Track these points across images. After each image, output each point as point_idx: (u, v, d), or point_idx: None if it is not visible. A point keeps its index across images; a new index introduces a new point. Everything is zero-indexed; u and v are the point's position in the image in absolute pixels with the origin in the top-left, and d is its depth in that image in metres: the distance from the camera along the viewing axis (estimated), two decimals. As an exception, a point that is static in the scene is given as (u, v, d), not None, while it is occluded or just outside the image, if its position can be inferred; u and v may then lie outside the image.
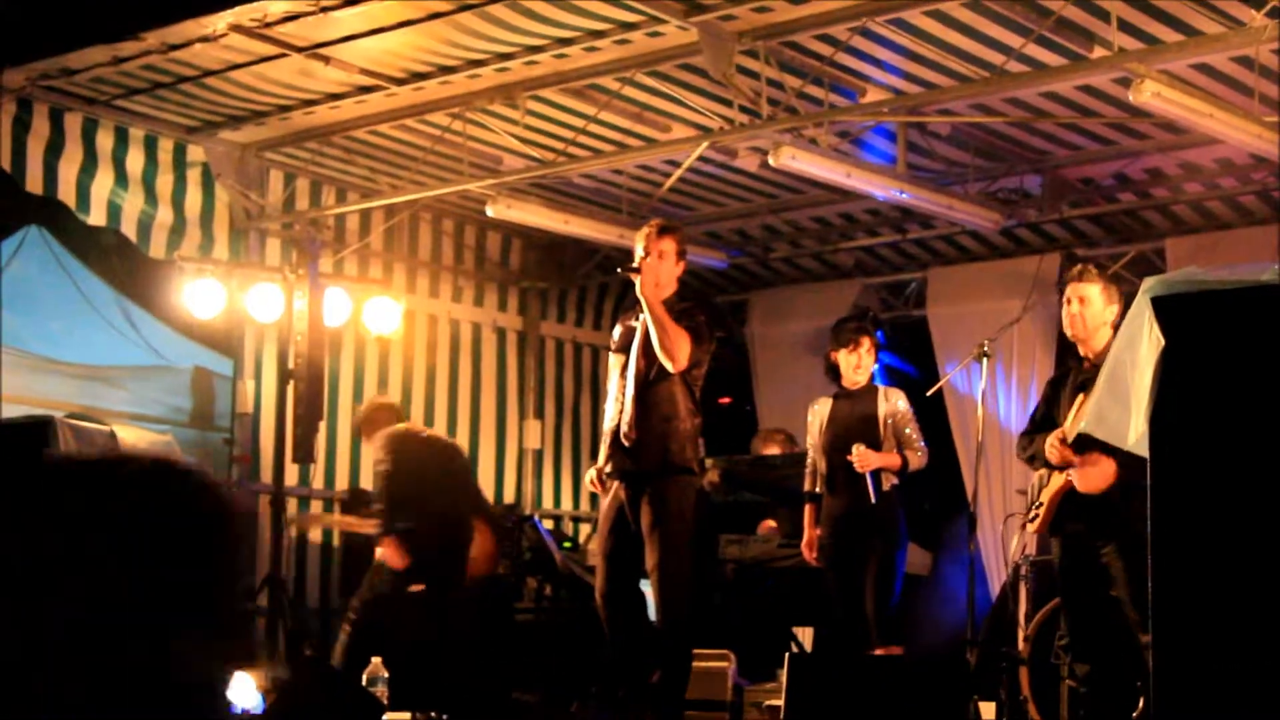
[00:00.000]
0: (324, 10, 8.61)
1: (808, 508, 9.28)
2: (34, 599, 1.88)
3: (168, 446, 9.33)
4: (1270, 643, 4.30)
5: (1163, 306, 4.67)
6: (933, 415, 10.40)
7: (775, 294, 13.87)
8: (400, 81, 9.91)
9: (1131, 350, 4.83)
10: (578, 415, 13.98)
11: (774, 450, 11.17)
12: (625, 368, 7.88)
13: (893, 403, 9.15)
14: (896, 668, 8.24)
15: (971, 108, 10.07)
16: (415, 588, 9.82)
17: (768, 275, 13.83)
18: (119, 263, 11.58)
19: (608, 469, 7.90)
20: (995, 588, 11.70)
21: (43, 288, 11.21)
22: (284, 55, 9.36)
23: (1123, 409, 4.90)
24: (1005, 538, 11.39)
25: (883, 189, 10.36)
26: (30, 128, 10.22)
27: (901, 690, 7.61)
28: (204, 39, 9.06)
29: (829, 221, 12.76)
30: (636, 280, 7.73)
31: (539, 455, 13.59)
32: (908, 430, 9.09)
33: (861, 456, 8.93)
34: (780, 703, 7.82)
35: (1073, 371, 7.95)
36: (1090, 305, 7.80)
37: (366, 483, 12.02)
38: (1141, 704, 7.69)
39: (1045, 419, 7.97)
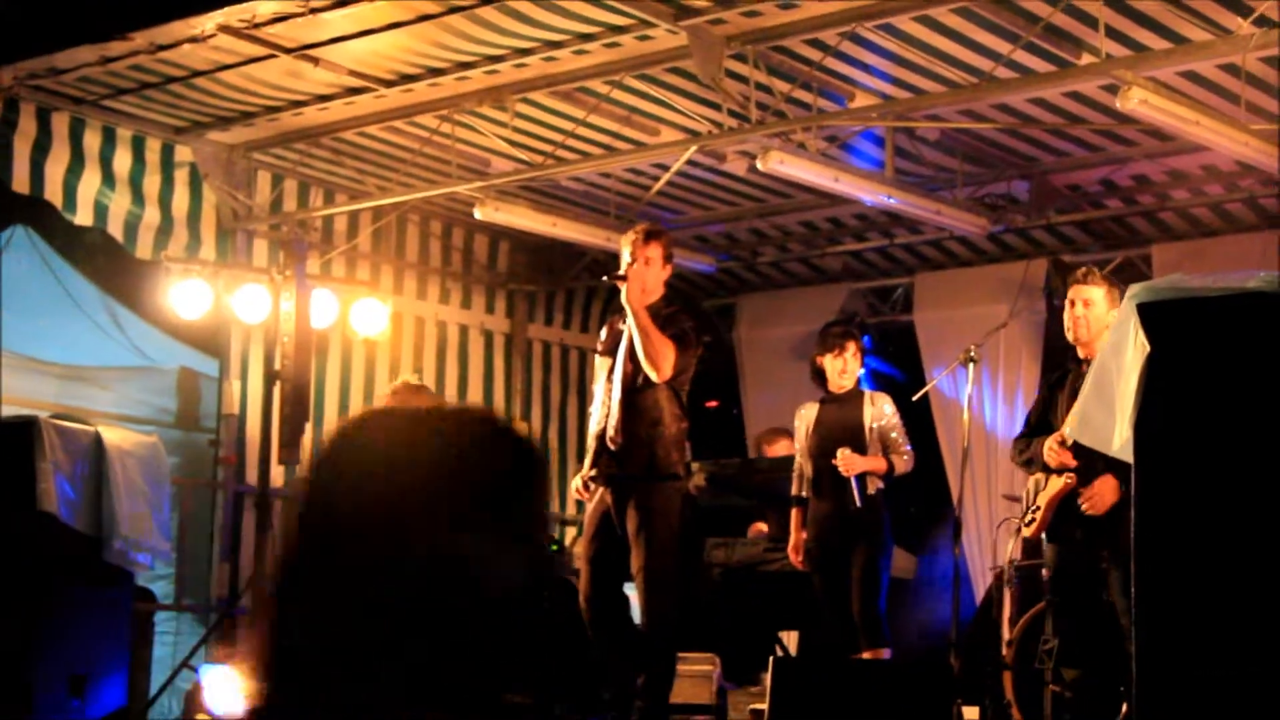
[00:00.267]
0: (313, 11, 8.61)
1: (794, 512, 9.28)
2: (404, 524, 1.94)
3: (152, 447, 9.31)
4: (1252, 649, 4.31)
5: (1148, 313, 4.68)
6: (919, 420, 10.40)
7: (762, 298, 13.87)
8: (389, 83, 9.90)
9: (1117, 356, 4.84)
10: (564, 418, 13.97)
11: (781, 450, 11.11)
12: (612, 371, 7.89)
13: (878, 407, 9.16)
14: (880, 671, 8.24)
15: (960, 113, 10.08)
16: None
17: (755, 279, 13.84)
18: (105, 263, 11.56)
19: (593, 473, 7.91)
20: (979, 592, 11.72)
21: (28, 288, 11.19)
22: (272, 56, 9.35)
23: (1108, 415, 4.91)
24: (999, 542, 11.40)
25: (870, 194, 10.37)
26: (17, 127, 10.20)
27: (885, 694, 7.61)
28: (192, 39, 9.05)
29: (816, 226, 12.76)
30: (622, 288, 7.73)
31: (525, 458, 13.55)
32: (894, 435, 9.09)
33: (846, 460, 8.93)
34: (764, 706, 7.82)
35: (1071, 374, 7.92)
36: (1094, 307, 7.79)
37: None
38: (1125, 709, 7.69)
39: (1041, 422, 7.95)
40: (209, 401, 12.02)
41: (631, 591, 7.87)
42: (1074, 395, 7.70)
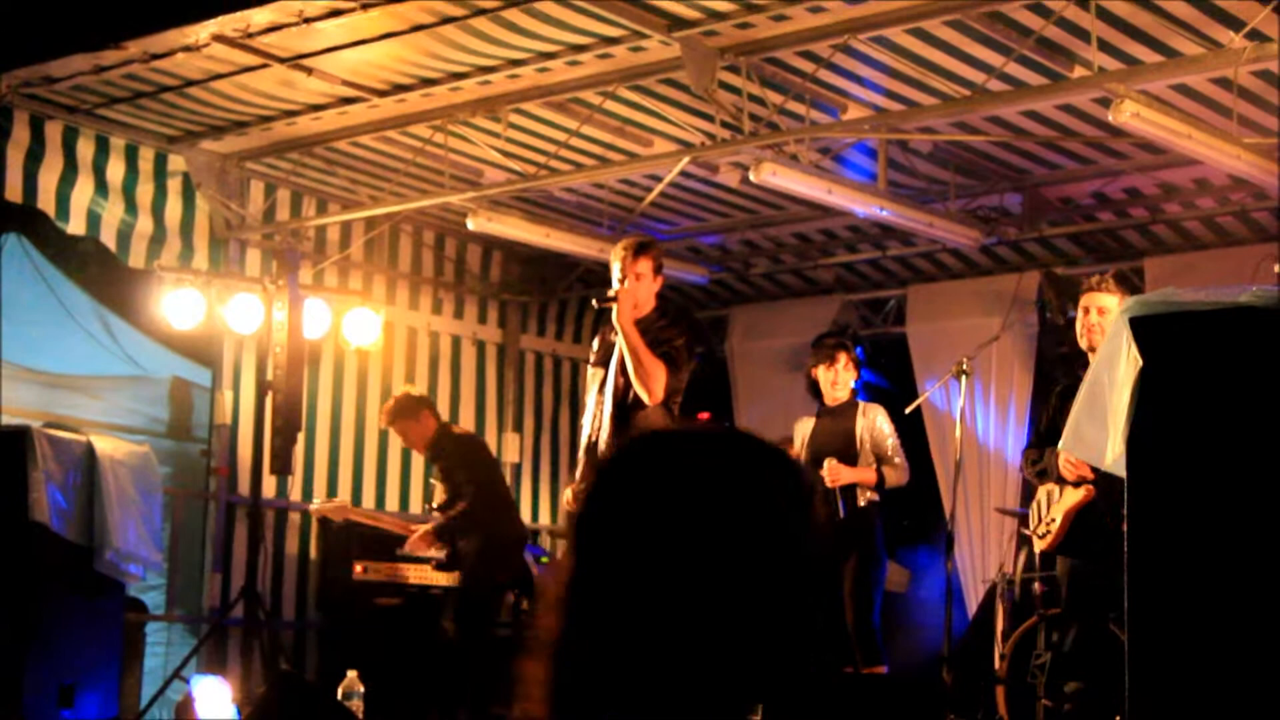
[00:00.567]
0: (307, 21, 8.60)
1: None
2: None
3: (144, 457, 9.30)
4: (1245, 661, 4.31)
5: (1141, 327, 4.69)
6: (911, 433, 10.40)
7: (755, 309, 13.87)
8: (382, 93, 9.90)
9: (1110, 370, 4.84)
10: (556, 429, 13.96)
11: None
12: (604, 383, 7.88)
13: (870, 418, 9.16)
14: (873, 686, 8.24)
15: (952, 126, 10.09)
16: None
17: (748, 291, 13.84)
18: (98, 272, 11.54)
19: (584, 486, 7.88)
20: (972, 606, 11.72)
21: (21, 297, 11.16)
22: (266, 65, 9.35)
23: (1100, 428, 4.91)
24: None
25: (863, 206, 10.37)
26: (10, 135, 10.19)
27: (878, 708, 7.61)
28: (186, 48, 9.05)
29: (809, 238, 12.77)
30: (613, 308, 7.72)
31: (518, 469, 13.56)
32: (887, 446, 9.09)
33: (831, 471, 8.94)
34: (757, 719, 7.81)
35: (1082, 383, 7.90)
36: (1108, 315, 7.73)
37: (345, 495, 12.03)
38: (1117, 722, 7.68)
39: (1051, 432, 7.84)
40: (201, 411, 12.00)
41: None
42: None
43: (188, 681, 9.79)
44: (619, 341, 7.72)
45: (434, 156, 10.74)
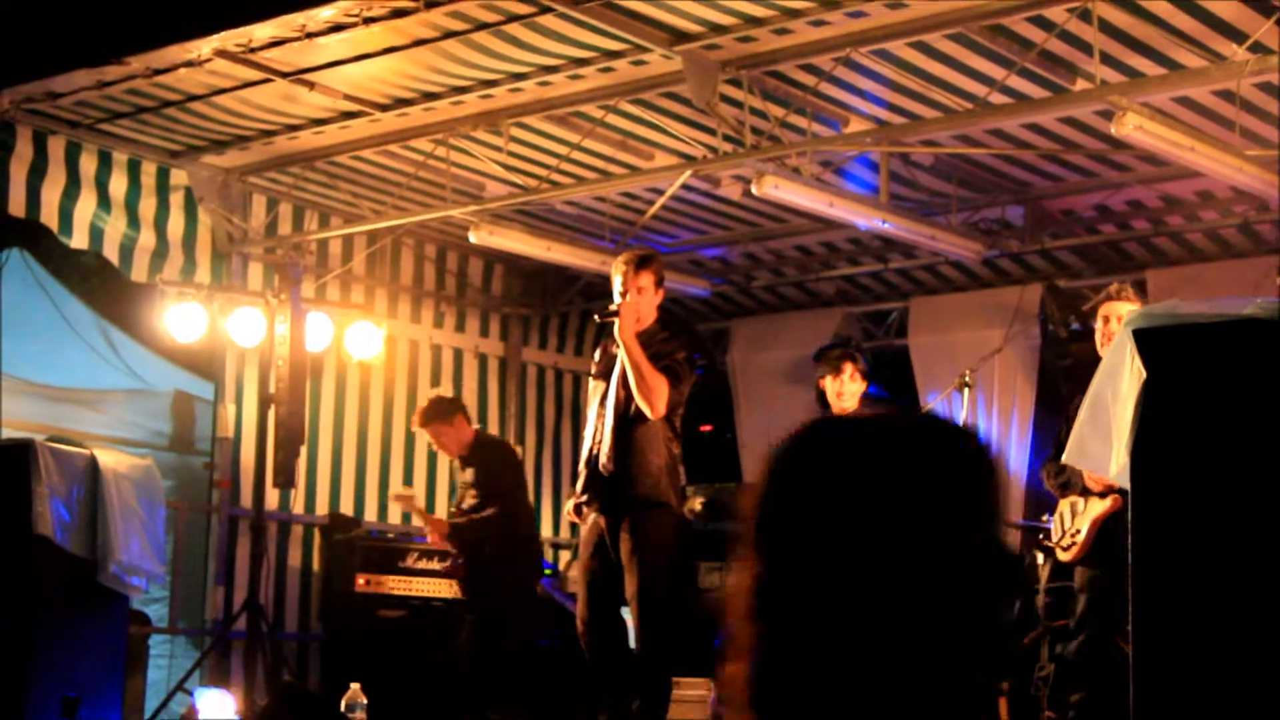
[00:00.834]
0: (309, 36, 8.62)
1: None
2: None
3: (147, 470, 9.30)
4: (1250, 673, 4.31)
5: (1144, 339, 4.69)
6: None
7: (757, 322, 13.88)
8: (384, 107, 9.91)
9: (1113, 382, 4.84)
10: (558, 442, 13.96)
11: None
12: (605, 396, 7.88)
13: None
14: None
15: (954, 138, 10.10)
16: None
17: (749, 304, 13.84)
18: (100, 286, 11.58)
19: (584, 497, 7.90)
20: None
21: (24, 311, 11.20)
22: (268, 80, 9.36)
23: (1104, 441, 4.91)
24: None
25: (865, 218, 10.38)
26: (13, 151, 10.21)
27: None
28: (189, 63, 9.06)
29: (811, 250, 12.77)
30: (615, 323, 7.72)
31: (519, 481, 13.55)
32: None
33: None
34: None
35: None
36: None
37: (347, 508, 12.04)
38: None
39: None
40: (204, 425, 12.02)
41: (628, 616, 7.86)
42: None
43: (191, 694, 9.78)
44: (620, 355, 7.72)
45: (436, 170, 10.75)
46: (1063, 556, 8.01)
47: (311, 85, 9.43)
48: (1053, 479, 8.03)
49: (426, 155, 10.64)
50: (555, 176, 10.55)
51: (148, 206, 11.02)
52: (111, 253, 10.81)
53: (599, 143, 10.34)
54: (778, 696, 1.89)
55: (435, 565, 10.90)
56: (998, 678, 1.93)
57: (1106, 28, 8.19)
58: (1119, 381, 4.78)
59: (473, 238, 10.91)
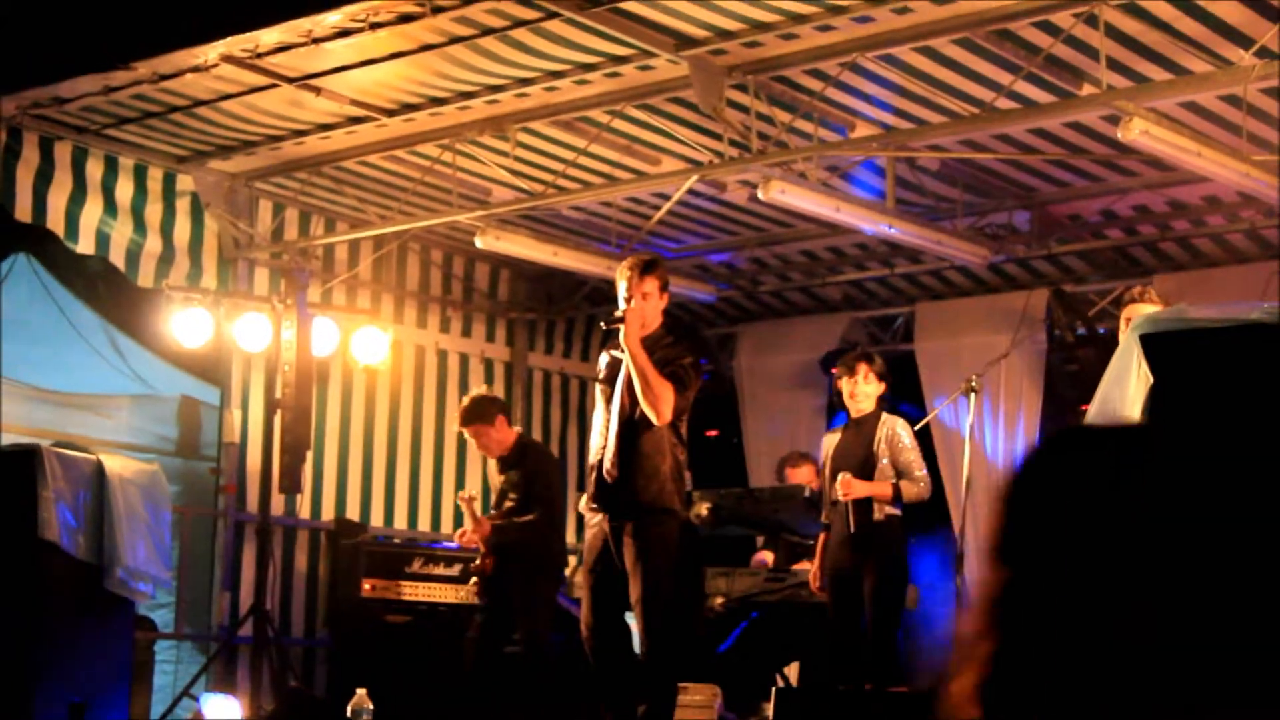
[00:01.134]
0: (315, 41, 8.63)
1: (820, 536, 9.30)
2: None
3: (154, 476, 9.30)
4: (1255, 678, 4.30)
5: (1151, 344, 4.67)
6: (920, 449, 10.39)
7: (763, 327, 13.87)
8: (390, 112, 9.92)
9: (1120, 387, 4.83)
10: (565, 447, 13.96)
11: (803, 475, 11.07)
12: (611, 400, 7.87)
13: (889, 430, 9.11)
14: (881, 702, 8.22)
15: (960, 143, 10.09)
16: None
17: (756, 308, 13.84)
18: (107, 291, 11.58)
19: (592, 504, 7.89)
20: (981, 623, 11.69)
21: (30, 316, 11.21)
22: (275, 86, 9.37)
23: (1111, 446, 4.89)
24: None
25: (871, 223, 10.37)
26: (20, 156, 10.22)
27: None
28: (195, 69, 9.07)
29: (817, 255, 12.77)
30: (620, 329, 7.71)
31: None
32: (906, 459, 9.04)
33: (844, 485, 8.92)
34: (767, 737, 7.81)
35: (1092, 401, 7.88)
36: None
37: (353, 513, 12.04)
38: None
39: None
40: (210, 430, 12.02)
41: (633, 621, 7.85)
42: None
43: (197, 699, 9.79)
44: (625, 361, 7.70)
45: (442, 175, 10.76)
46: None
47: (318, 90, 9.44)
48: None
49: (433, 160, 10.64)
50: (561, 181, 10.55)
51: (154, 212, 11.03)
52: (118, 258, 10.82)
53: (605, 148, 10.34)
54: (1016, 710, 1.86)
55: (442, 570, 10.90)
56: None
57: (1113, 33, 8.19)
58: (1126, 386, 4.77)
59: (479, 243, 10.91)
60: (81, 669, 8.62)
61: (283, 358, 10.65)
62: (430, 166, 10.72)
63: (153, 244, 11.01)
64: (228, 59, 8.92)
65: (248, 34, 8.59)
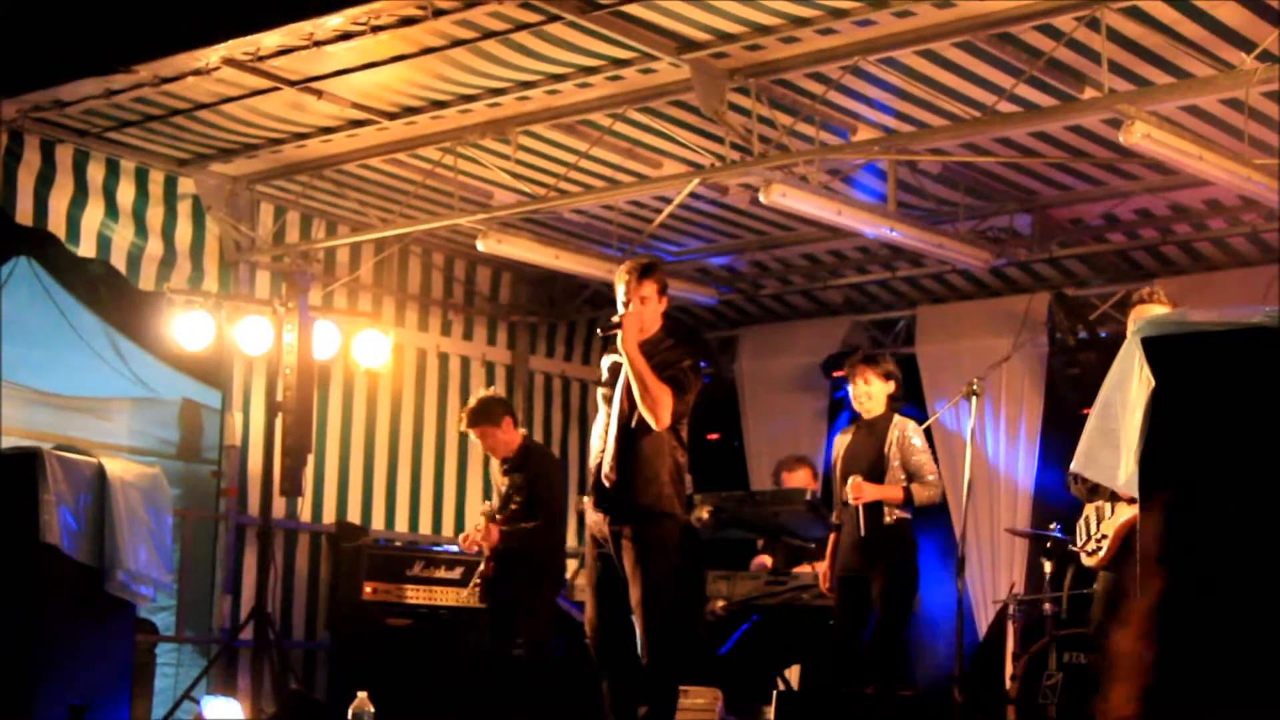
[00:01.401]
0: (316, 44, 8.63)
1: (831, 537, 9.30)
2: None
3: (155, 479, 9.30)
4: (1261, 682, 4.31)
5: (1153, 347, 4.68)
6: (931, 452, 10.40)
7: (764, 330, 13.87)
8: (392, 115, 9.92)
9: (1122, 390, 4.83)
10: (566, 450, 13.95)
11: (800, 479, 11.07)
12: (611, 403, 7.86)
13: (899, 432, 9.11)
14: (883, 705, 8.22)
15: (962, 147, 10.08)
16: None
17: (757, 312, 13.84)
18: (108, 294, 11.59)
19: (593, 507, 7.89)
20: (983, 626, 11.70)
21: (31, 319, 11.22)
22: (276, 89, 9.37)
23: (1113, 449, 4.90)
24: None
25: (873, 227, 10.37)
26: (21, 159, 10.22)
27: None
28: (196, 72, 9.07)
29: (819, 258, 12.77)
30: (618, 335, 7.69)
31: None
32: (916, 462, 9.04)
33: (855, 488, 8.92)
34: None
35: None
36: None
37: (354, 516, 12.03)
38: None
39: None
40: (211, 433, 12.03)
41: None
42: None
43: (198, 702, 9.79)
44: (624, 366, 7.69)
45: (443, 178, 10.76)
46: (1088, 562, 7.97)
47: (319, 93, 9.44)
48: (1080, 484, 7.98)
49: (434, 163, 10.65)
50: (563, 185, 10.56)
51: (155, 215, 11.03)
52: (119, 261, 10.82)
53: (607, 151, 10.35)
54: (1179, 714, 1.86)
55: (443, 574, 10.89)
56: None
57: (1115, 36, 8.19)
58: (1128, 390, 4.78)
59: (480, 246, 10.91)
60: (82, 672, 8.62)
61: (284, 361, 10.64)
62: (432, 169, 10.72)
63: (154, 247, 11.01)
64: (229, 62, 8.92)
65: (249, 37, 8.59)
